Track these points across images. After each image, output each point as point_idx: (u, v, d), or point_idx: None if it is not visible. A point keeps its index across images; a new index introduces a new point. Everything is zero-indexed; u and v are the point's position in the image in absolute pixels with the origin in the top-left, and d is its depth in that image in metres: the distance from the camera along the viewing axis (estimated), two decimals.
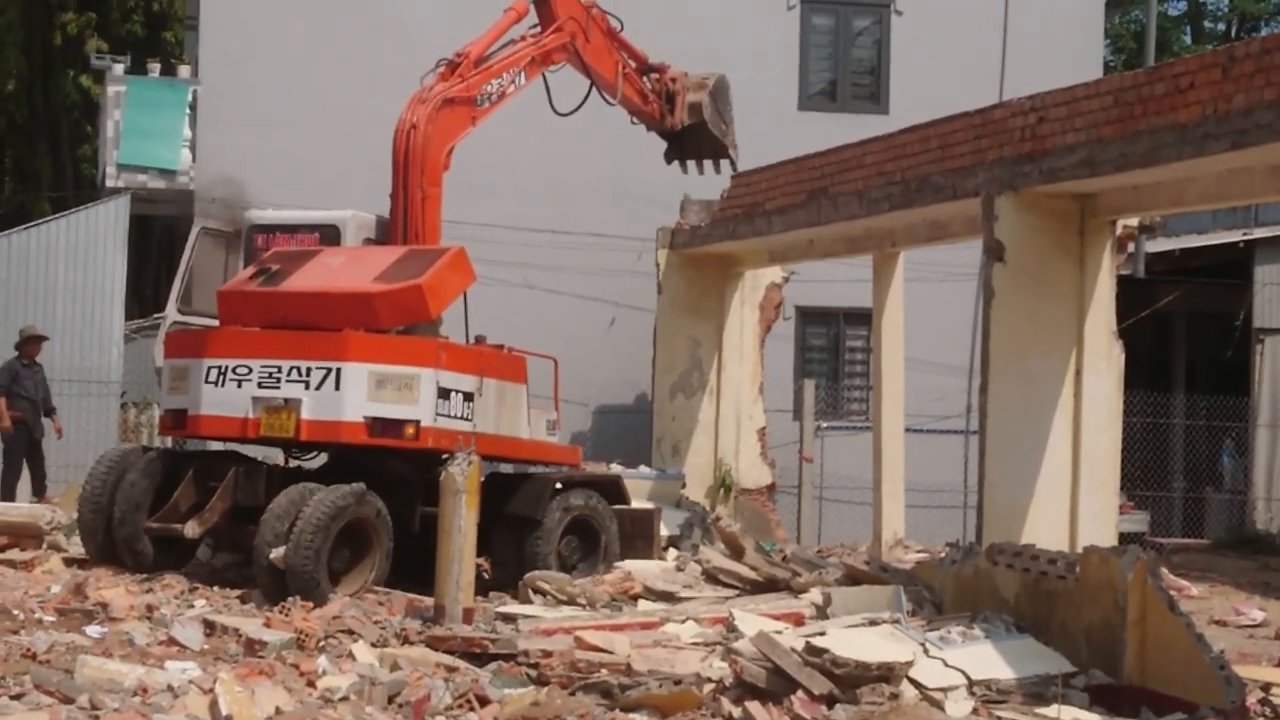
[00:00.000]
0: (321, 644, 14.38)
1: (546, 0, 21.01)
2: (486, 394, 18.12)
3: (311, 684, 12.96)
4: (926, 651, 13.37)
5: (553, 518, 18.62)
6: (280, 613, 15.63)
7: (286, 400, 17.38)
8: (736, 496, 26.42)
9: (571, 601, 17.04)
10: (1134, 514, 28.00)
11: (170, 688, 12.40)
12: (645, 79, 23.00)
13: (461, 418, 17.73)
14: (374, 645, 14.31)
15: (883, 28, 30.22)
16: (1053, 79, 19.78)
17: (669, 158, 24.09)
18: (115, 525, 17.81)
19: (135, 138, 28.31)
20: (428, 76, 19.69)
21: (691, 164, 24.09)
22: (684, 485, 24.10)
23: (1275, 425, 30.31)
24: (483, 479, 18.69)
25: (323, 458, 18.93)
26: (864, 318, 25.87)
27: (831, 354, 29.91)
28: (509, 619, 15.58)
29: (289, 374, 17.41)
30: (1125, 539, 19.31)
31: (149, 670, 13.01)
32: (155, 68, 29.54)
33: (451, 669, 13.51)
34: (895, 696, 12.81)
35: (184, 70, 29.11)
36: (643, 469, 24.22)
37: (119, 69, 29.26)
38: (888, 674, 12.95)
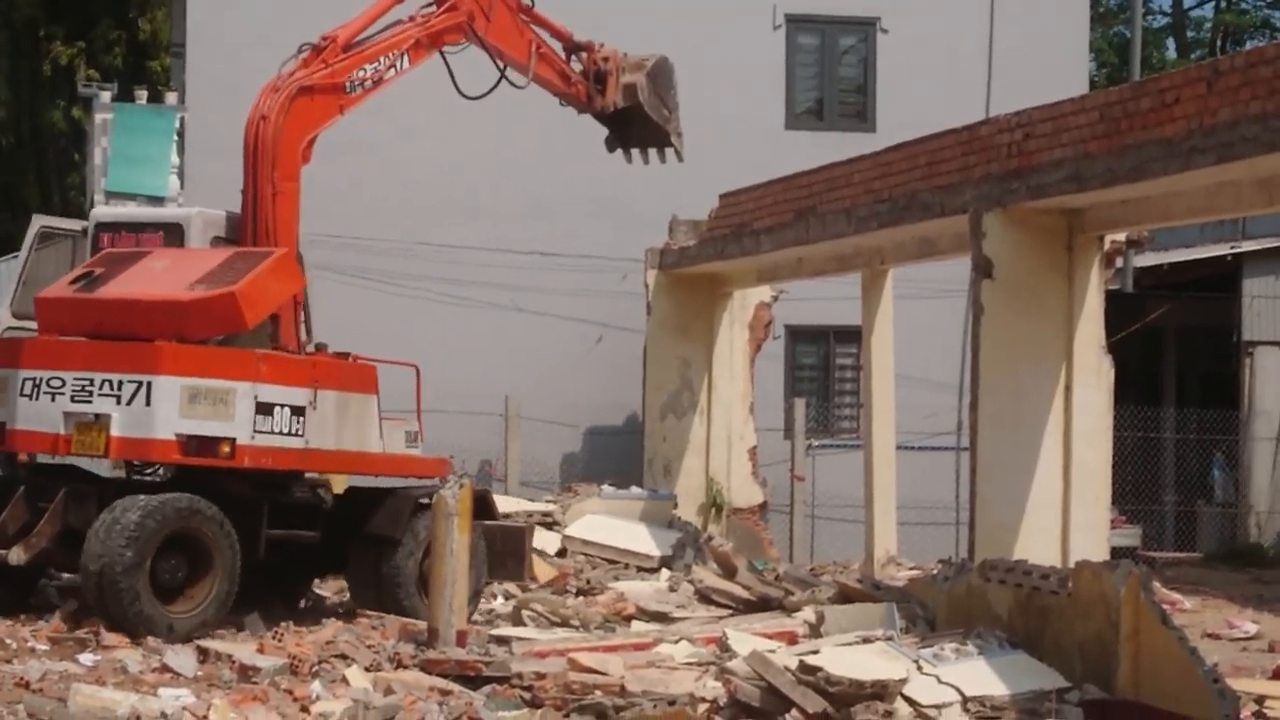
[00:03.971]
0: (315, 669, 14.36)
1: None
2: (323, 407, 17.03)
3: (305, 709, 12.95)
4: (920, 669, 13.38)
5: (414, 537, 17.61)
6: (274, 638, 15.61)
7: (97, 416, 16.35)
8: (728, 516, 26.43)
9: (565, 623, 17.04)
10: (1126, 528, 28.01)
11: (164, 715, 12.40)
12: (574, 58, 21.74)
13: (290, 433, 16.66)
14: (368, 670, 14.30)
15: (869, 46, 30.26)
16: (1039, 95, 19.82)
17: (609, 145, 22.89)
18: None
19: (123, 165, 28.30)
20: (288, 63, 18.47)
21: (637, 155, 22.78)
22: (676, 505, 24.10)
23: (1267, 438, 30.34)
24: (338, 496, 18.20)
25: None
26: (854, 335, 25.88)
27: (822, 372, 29.94)
28: (502, 641, 15.58)
29: (101, 387, 16.37)
30: (1117, 553, 19.32)
31: (142, 698, 12.99)
32: (142, 95, 29.57)
33: (446, 692, 13.50)
34: (889, 714, 12.81)
35: (171, 97, 29.13)
36: (634, 490, 24.23)
37: (106, 96, 29.28)
38: (882, 692, 12.95)
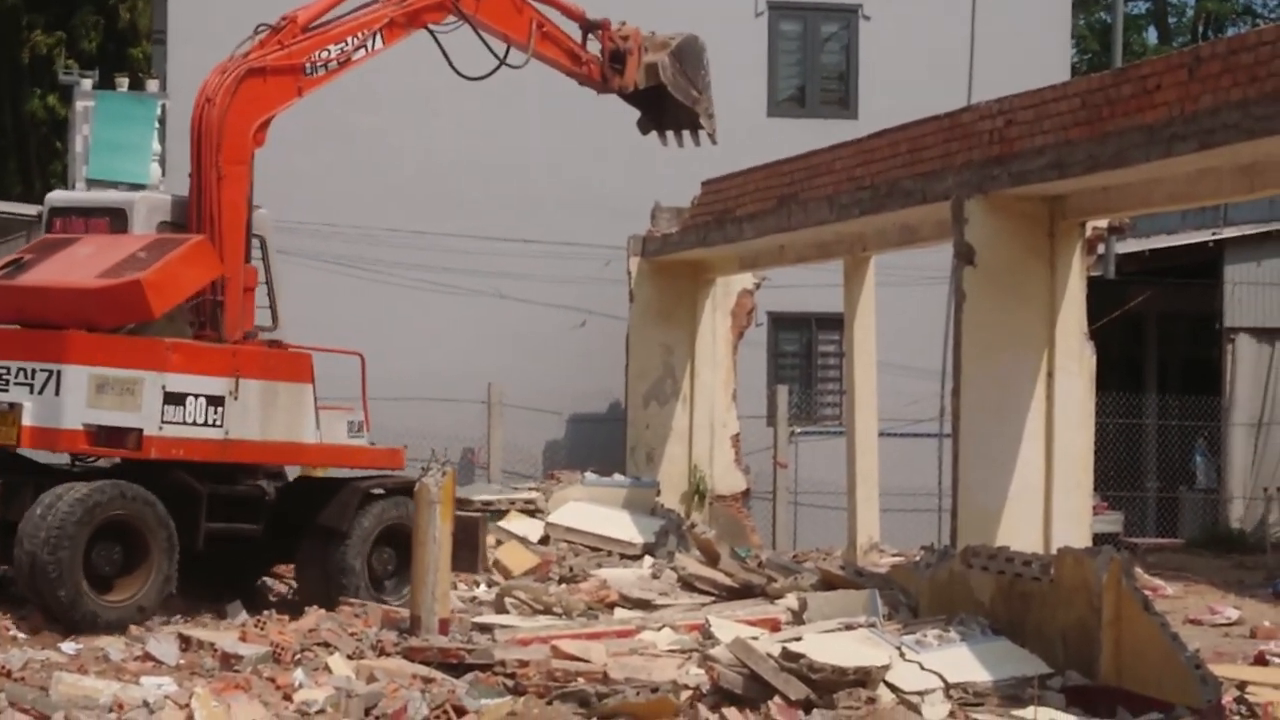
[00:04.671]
0: (297, 657, 14.37)
1: None
2: (246, 397, 16.75)
3: (288, 697, 12.96)
4: (903, 655, 13.41)
5: (361, 529, 17.53)
6: (256, 626, 15.60)
7: (11, 405, 16.26)
8: (711, 503, 26.43)
9: (547, 610, 17.03)
10: (1108, 514, 28.05)
11: (146, 703, 12.39)
12: (590, 37, 21.41)
13: (207, 424, 16.42)
14: (350, 657, 14.30)
15: (850, 33, 30.25)
16: (1021, 82, 19.82)
17: (641, 127, 22.71)
18: None
19: (104, 152, 28.20)
20: (244, 44, 18.08)
21: (671, 136, 22.58)
22: (659, 493, 24.11)
23: (1247, 424, 30.39)
24: (281, 487, 17.94)
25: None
26: (836, 323, 25.88)
27: (804, 359, 29.94)
28: (485, 629, 15.57)
29: (17, 376, 16.29)
30: (1100, 539, 19.34)
31: (124, 686, 13.00)
32: (124, 82, 29.50)
33: (428, 680, 13.51)
34: (872, 700, 12.84)
35: (153, 85, 29.07)
36: (617, 477, 24.23)
37: (87, 84, 29.22)
38: (864, 678, 12.98)
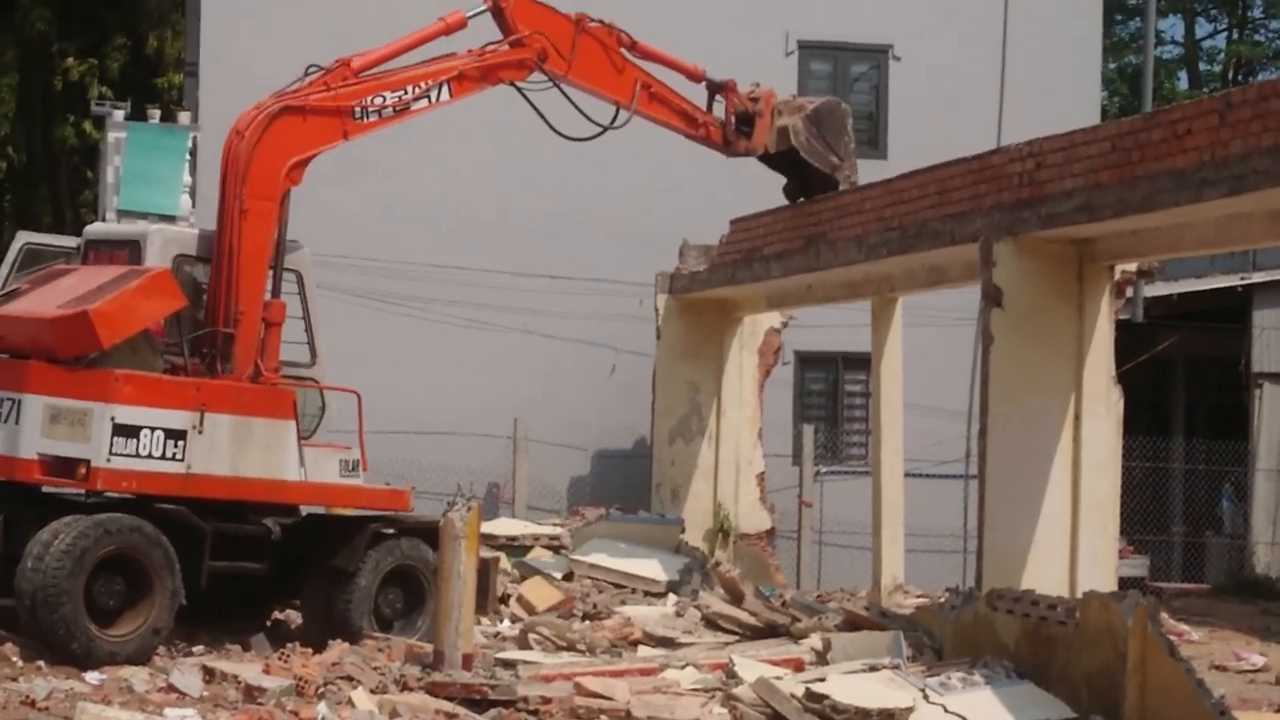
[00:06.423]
0: (321, 690, 14.36)
1: (502, 11, 19.37)
2: (213, 431, 16.50)
3: None
4: (926, 697, 13.39)
5: (368, 570, 17.42)
6: (280, 659, 15.60)
7: None
8: (735, 541, 26.39)
9: (571, 647, 17.02)
10: (1134, 559, 27.99)
11: None
12: (716, 98, 21.12)
13: (165, 457, 16.19)
14: (373, 692, 14.30)
15: (881, 73, 30.28)
16: (1050, 125, 19.82)
17: (787, 194, 22.59)
18: None
19: (135, 184, 28.30)
20: (295, 84, 18.03)
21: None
22: (683, 530, 24.08)
23: (1275, 470, 30.31)
24: (292, 523, 17.70)
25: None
26: (863, 362, 25.87)
27: (830, 399, 29.92)
28: (508, 665, 15.57)
29: None
30: (1125, 584, 19.30)
31: (148, 717, 13.02)
32: (155, 114, 29.59)
33: (451, 715, 13.51)
34: None
35: (184, 116, 29.15)
36: (642, 514, 24.22)
37: (119, 115, 29.30)
38: None
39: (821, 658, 15.48)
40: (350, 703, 13.85)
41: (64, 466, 16.07)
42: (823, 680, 13.51)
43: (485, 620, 18.46)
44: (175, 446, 16.29)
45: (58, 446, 16.07)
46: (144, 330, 16.52)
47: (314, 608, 17.77)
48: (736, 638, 17.88)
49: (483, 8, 19.39)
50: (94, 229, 19.26)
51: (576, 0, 20.38)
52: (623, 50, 20.31)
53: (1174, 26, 58.76)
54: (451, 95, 18.68)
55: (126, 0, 42.10)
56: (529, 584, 20.65)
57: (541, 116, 19.65)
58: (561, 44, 19.56)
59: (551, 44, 19.43)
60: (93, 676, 14.93)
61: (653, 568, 22.20)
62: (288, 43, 26.46)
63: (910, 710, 13.11)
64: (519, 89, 19.46)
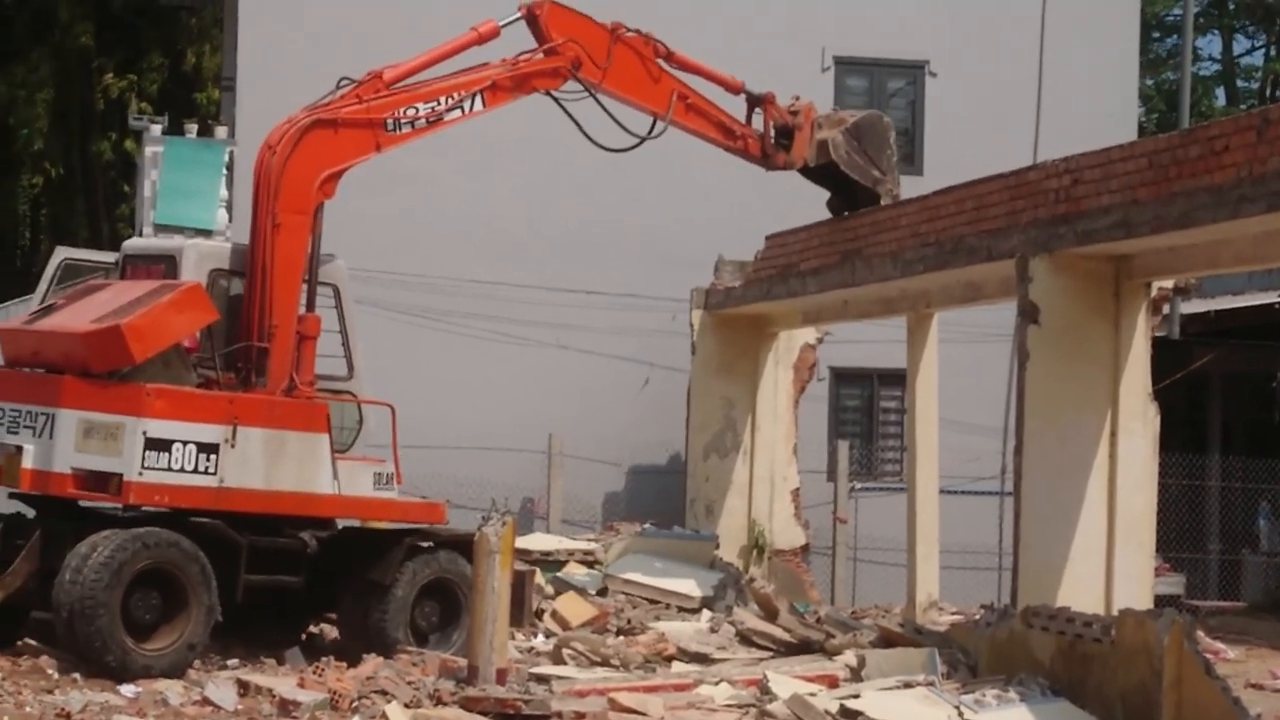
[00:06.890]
0: (355, 704, 14.37)
1: (536, 18, 19.31)
2: (246, 445, 16.61)
3: None
4: (961, 715, 13.35)
5: (404, 582, 17.48)
6: (314, 672, 15.62)
7: (18, 448, 16.43)
8: (770, 557, 26.35)
9: (605, 662, 17.02)
10: (1170, 576, 27.87)
11: None
12: (755, 111, 21.09)
13: (197, 470, 16.32)
14: (407, 706, 14.30)
15: (917, 89, 30.24)
16: (1087, 141, 19.78)
17: (831, 208, 22.55)
18: None
19: (172, 198, 28.39)
20: (326, 97, 18.10)
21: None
22: (717, 546, 24.07)
23: None
24: (328, 536, 17.83)
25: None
26: (898, 379, 25.82)
27: (866, 415, 29.87)
28: (542, 680, 15.57)
29: (25, 419, 16.45)
30: (1161, 601, 19.23)
31: None
32: (192, 128, 29.70)
33: None
34: None
35: (221, 131, 29.26)
36: (676, 529, 24.20)
37: (157, 130, 29.40)
38: None
39: (856, 674, 15.45)
40: (384, 717, 13.86)
41: (97, 480, 16.18)
42: (857, 697, 13.48)
43: (520, 635, 18.46)
44: (207, 460, 16.41)
45: (91, 460, 16.18)
46: (176, 344, 16.60)
47: (350, 621, 17.80)
48: (771, 654, 17.85)
49: (516, 16, 19.39)
50: (131, 244, 19.32)
51: (612, 12, 20.43)
52: (659, 60, 20.23)
53: (1211, 43, 58.66)
54: (485, 105, 18.67)
55: (166, 16, 42.23)
56: (563, 599, 20.65)
57: (578, 126, 19.64)
58: (596, 53, 19.50)
59: (586, 52, 19.37)
60: (128, 689, 14.96)
61: (687, 584, 22.20)
62: (325, 57, 26.50)
63: None
64: (555, 98, 19.42)
